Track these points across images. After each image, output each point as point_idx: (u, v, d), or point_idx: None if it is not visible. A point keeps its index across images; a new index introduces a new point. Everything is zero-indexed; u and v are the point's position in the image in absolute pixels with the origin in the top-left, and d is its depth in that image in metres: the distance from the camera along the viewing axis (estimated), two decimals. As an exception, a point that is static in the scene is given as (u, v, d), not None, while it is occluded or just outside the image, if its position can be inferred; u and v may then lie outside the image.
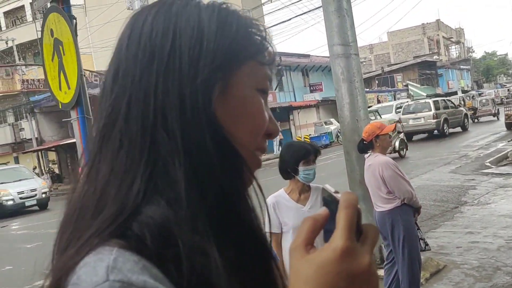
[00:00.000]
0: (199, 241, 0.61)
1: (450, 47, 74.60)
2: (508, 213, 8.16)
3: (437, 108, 22.33)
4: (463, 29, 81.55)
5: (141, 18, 0.70)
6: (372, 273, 0.57)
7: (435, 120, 21.88)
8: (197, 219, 0.62)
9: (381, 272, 4.81)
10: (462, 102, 29.39)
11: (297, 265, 0.58)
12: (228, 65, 0.68)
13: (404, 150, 17.40)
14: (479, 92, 46.76)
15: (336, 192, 0.62)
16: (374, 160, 4.34)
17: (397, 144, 16.80)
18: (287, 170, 3.19)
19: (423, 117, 21.99)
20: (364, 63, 60.54)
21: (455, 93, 47.89)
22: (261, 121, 0.72)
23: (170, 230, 0.60)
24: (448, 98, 28.47)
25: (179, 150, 0.64)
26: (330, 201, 0.61)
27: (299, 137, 29.59)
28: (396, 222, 4.29)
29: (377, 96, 39.29)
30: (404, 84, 45.93)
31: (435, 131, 22.44)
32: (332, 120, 29.84)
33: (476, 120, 29.55)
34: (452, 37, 73.45)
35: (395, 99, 38.95)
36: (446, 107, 23.48)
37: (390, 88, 43.54)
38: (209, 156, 0.65)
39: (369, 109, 20.89)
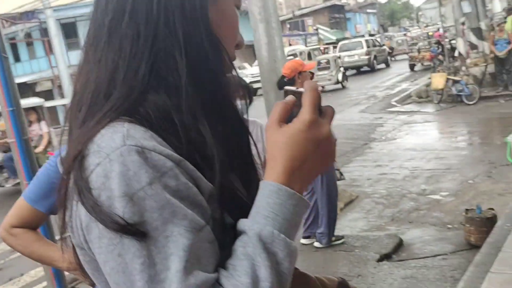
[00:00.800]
0: (194, 122, 0.72)
1: (357, -9, 76.24)
2: (412, 147, 8.83)
3: (368, 46, 25.66)
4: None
5: None
6: (332, 140, 0.74)
7: (367, 57, 25.20)
8: (193, 103, 0.73)
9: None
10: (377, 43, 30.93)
11: (273, 137, 0.72)
12: None
13: (345, 82, 20.69)
14: (386, 35, 48.51)
15: (298, 88, 0.75)
16: None
17: (340, 77, 20.16)
18: None
19: (357, 54, 25.23)
20: (275, 7, 60.38)
21: (363, 36, 49.46)
22: (237, 32, 0.84)
23: (170, 112, 0.72)
24: (374, 38, 31.79)
25: (180, 44, 0.74)
26: (294, 93, 0.75)
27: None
28: None
29: (289, 40, 39.66)
30: (314, 28, 46.60)
31: (366, 67, 25.59)
32: (245, 64, 29.86)
33: (393, 59, 31.15)
34: (359, -19, 74.99)
35: (306, 43, 39.60)
36: (374, 46, 26.82)
37: (301, 32, 44.03)
38: (204, 51, 0.75)
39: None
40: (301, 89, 0.74)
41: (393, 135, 10.23)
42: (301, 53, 25.08)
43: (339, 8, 52.41)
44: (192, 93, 0.73)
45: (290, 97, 0.75)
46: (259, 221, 0.68)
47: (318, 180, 4.53)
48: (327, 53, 27.07)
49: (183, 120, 0.72)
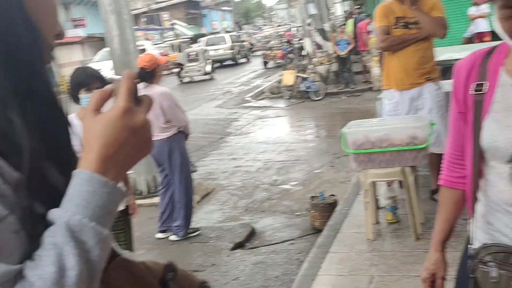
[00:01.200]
0: (2, 109, 0.70)
1: (213, -12, 77.23)
2: (265, 140, 9.25)
3: (232, 42, 27.60)
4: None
5: None
6: (147, 128, 0.75)
7: (231, 51, 26.93)
8: (6, 94, 0.70)
9: (157, 199, 5.08)
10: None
11: (89, 125, 0.72)
12: None
13: (213, 73, 22.12)
14: (246, 32, 49.86)
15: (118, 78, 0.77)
16: (153, 91, 4.33)
17: (209, 68, 21.47)
18: (72, 96, 3.05)
19: (222, 48, 26.78)
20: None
21: (218, 33, 50.29)
22: (56, 20, 0.81)
23: None
24: (237, 33, 34.80)
25: None
26: (114, 82, 0.77)
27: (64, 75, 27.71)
28: (174, 148, 4.53)
29: (145, 34, 38.84)
30: (171, 23, 46.22)
31: (230, 61, 27.17)
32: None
33: (252, 54, 32.20)
34: (215, -21, 76.02)
35: (162, 38, 39.13)
36: (237, 41, 29.08)
37: (157, 27, 43.39)
38: (18, 35, 0.72)
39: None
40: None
41: (247, 129, 10.60)
42: (172, 45, 25.88)
43: (195, 4, 52.63)
44: (5, 85, 0.70)
45: (108, 86, 0.75)
46: (70, 209, 0.68)
47: (177, 174, 4.56)
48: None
49: None
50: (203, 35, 35.10)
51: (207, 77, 21.39)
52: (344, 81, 13.52)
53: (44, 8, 0.78)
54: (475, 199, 1.39)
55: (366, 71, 13.43)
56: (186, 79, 21.45)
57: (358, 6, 22.22)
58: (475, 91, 1.33)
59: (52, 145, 0.76)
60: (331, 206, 4.64)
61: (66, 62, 30.39)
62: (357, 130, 3.44)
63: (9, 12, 0.71)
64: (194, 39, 36.78)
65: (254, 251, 4.45)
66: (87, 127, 0.72)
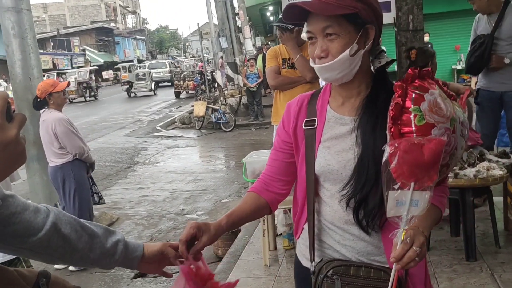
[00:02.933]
0: None
1: (126, 16, 76.45)
2: (173, 170, 9.25)
3: (170, 67, 35.17)
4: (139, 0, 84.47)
5: None
6: (19, 142, 0.83)
7: (169, 74, 32.89)
8: None
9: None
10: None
11: None
12: None
13: (155, 91, 28.27)
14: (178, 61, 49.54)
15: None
16: (48, 116, 4.40)
17: (153, 86, 27.82)
18: None
19: (162, 72, 33.97)
20: (37, 22, 56.56)
21: (132, 61, 49.68)
22: None
23: None
24: (172, 61, 42.19)
25: None
26: None
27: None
28: (67, 175, 4.47)
29: (53, 58, 37.50)
30: (81, 48, 45.03)
31: (167, 82, 32.76)
32: (0, 81, 27.15)
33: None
34: (128, 7, 75.38)
35: (72, 64, 38.00)
36: (173, 67, 35.99)
37: (66, 52, 42.07)
38: None
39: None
40: None
41: (156, 158, 10.54)
42: (123, 67, 34.80)
43: (108, 31, 51.76)
44: None
45: None
46: None
47: (71, 201, 4.50)
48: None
49: None
50: (115, 63, 34.90)
51: (151, 93, 27.67)
52: (253, 113, 13.91)
53: None
54: (304, 221, 1.58)
55: (275, 104, 13.91)
56: (133, 94, 27.81)
57: (267, 43, 23.12)
58: (306, 126, 1.55)
59: None
60: (234, 234, 4.77)
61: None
62: (256, 160, 3.62)
63: None
64: (105, 66, 36.01)
65: (154, 280, 4.43)
66: None
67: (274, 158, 1.65)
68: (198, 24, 19.98)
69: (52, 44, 43.28)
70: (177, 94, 24.10)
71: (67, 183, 4.48)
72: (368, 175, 1.41)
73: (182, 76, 24.89)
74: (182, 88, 23.68)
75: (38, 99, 4.47)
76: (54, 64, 36.62)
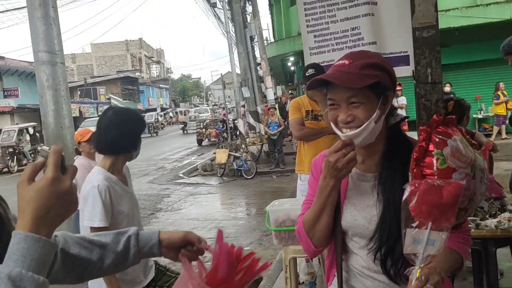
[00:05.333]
0: None
1: (151, 66, 78.51)
2: (195, 217, 9.32)
3: (211, 112, 40.56)
4: (163, 50, 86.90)
5: None
6: (72, 192, 0.93)
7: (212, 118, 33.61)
8: None
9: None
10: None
11: (23, 192, 0.90)
12: None
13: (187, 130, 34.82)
14: (175, 110, 51.10)
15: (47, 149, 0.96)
16: (76, 162, 4.62)
17: (201, 125, 27.18)
18: (126, 142, 2.67)
19: (205, 115, 36.89)
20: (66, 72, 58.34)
21: (155, 109, 50.70)
22: None
23: None
24: (216, 107, 49.57)
25: None
26: (46, 155, 0.94)
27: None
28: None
29: (79, 107, 38.54)
30: (107, 97, 46.20)
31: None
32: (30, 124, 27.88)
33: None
34: (153, 57, 77.52)
35: (97, 112, 38.92)
36: (214, 112, 40.52)
37: (93, 100, 43.22)
38: None
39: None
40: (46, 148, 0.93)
41: (179, 205, 10.64)
42: (180, 111, 46.40)
43: (133, 80, 53.13)
44: None
45: (40, 158, 0.93)
46: (9, 264, 0.85)
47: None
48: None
49: None
50: (140, 111, 36.03)
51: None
52: (275, 161, 14.01)
53: None
54: (334, 269, 1.67)
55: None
56: (185, 132, 34.71)
57: (291, 91, 23.48)
58: None
59: None
60: (256, 283, 4.77)
61: (-6, 132, 29.40)
62: (279, 208, 3.69)
63: None
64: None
65: None
66: (21, 194, 0.90)
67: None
68: (221, 74, 20.48)
69: (79, 92, 44.58)
70: (199, 142, 24.42)
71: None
72: (391, 229, 1.48)
73: (204, 124, 25.26)
74: (205, 135, 24.00)
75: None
76: (80, 112, 37.60)
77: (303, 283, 4.19)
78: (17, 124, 25.66)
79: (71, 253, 1.26)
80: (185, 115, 42.95)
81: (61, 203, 0.90)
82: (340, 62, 1.57)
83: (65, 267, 1.23)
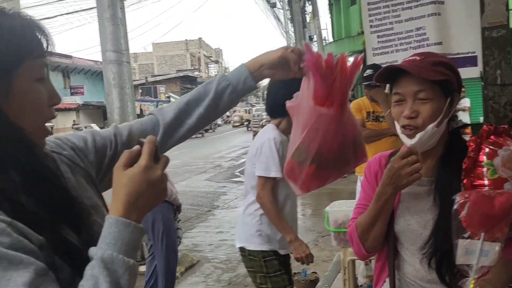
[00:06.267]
0: (17, 197, 0.93)
1: (209, 65, 79.74)
2: (251, 215, 9.36)
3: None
4: (221, 50, 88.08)
5: None
6: (162, 181, 0.96)
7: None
8: (15, 184, 0.93)
9: (143, 268, 5.15)
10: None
11: (118, 177, 0.94)
12: (5, 73, 0.94)
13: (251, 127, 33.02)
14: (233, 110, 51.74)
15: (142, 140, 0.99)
16: None
17: (263, 123, 27.85)
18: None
19: (266, 113, 36.10)
20: (128, 71, 60.22)
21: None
22: (40, 105, 1.01)
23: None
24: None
25: None
26: (139, 143, 0.98)
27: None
28: (156, 217, 4.68)
29: (140, 105, 39.70)
30: (166, 95, 47.33)
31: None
32: (93, 125, 29.07)
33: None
34: (211, 56, 78.71)
35: (157, 109, 39.99)
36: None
37: (153, 98, 44.40)
38: (6, 143, 0.94)
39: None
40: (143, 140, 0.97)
41: (235, 203, 10.74)
42: (245, 110, 47.72)
43: (192, 79, 54.17)
44: (13, 176, 0.94)
45: (136, 147, 0.96)
46: (102, 247, 0.89)
47: (159, 243, 4.68)
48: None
49: (6, 196, 0.91)
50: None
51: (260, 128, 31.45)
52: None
53: (30, 102, 0.98)
54: (385, 275, 1.64)
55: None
56: (250, 129, 34.39)
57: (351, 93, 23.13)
58: None
59: (59, 213, 0.98)
60: (313, 283, 4.76)
61: (61, 128, 30.88)
62: (338, 210, 3.67)
63: None
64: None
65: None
66: (117, 179, 0.94)
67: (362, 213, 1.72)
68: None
69: (140, 91, 45.92)
70: (256, 141, 24.55)
71: (156, 225, 4.68)
72: (447, 235, 1.44)
73: (261, 123, 25.33)
74: (261, 135, 24.10)
75: None
76: (141, 110, 38.75)
77: (361, 286, 4.13)
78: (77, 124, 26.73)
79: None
80: (249, 113, 46.11)
81: (150, 190, 0.93)
82: (411, 58, 1.54)
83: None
